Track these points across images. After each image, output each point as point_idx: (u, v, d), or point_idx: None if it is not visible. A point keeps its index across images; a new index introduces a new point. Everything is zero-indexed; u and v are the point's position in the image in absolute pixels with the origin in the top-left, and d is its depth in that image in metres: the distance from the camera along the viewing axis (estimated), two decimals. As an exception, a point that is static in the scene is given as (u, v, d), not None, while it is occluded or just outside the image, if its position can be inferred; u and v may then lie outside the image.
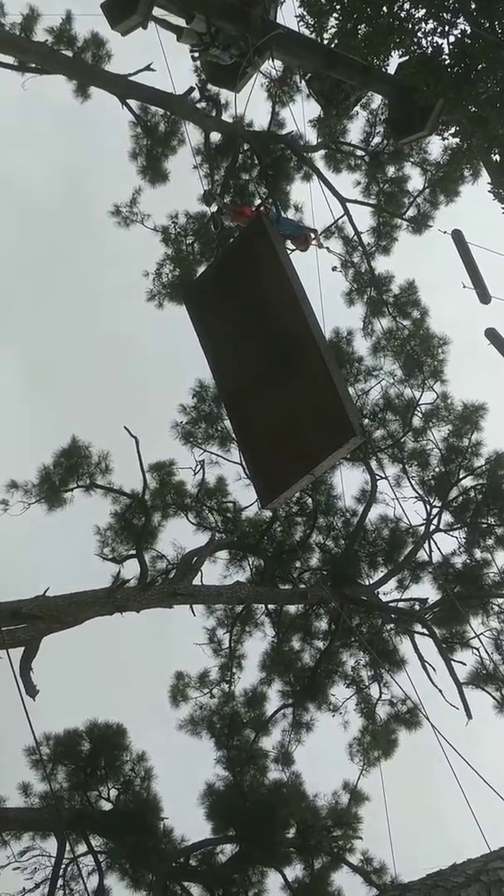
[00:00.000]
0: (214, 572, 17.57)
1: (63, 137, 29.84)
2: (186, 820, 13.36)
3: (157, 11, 10.96)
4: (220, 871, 13.05)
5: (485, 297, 12.39)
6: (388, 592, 17.61)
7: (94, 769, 12.86)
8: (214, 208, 13.86)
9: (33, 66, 15.67)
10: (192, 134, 17.57)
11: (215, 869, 13.06)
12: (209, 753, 15.27)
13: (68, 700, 15.97)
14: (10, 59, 15.52)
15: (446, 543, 20.86)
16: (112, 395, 28.94)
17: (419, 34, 10.26)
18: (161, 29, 11.57)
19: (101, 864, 12.26)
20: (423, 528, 17.69)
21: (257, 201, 17.52)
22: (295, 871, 13.48)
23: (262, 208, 12.20)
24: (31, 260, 31.80)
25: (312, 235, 13.22)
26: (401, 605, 17.52)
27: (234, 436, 16.70)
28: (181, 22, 11.22)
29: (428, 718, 11.85)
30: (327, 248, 15.17)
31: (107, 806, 12.80)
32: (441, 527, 17.75)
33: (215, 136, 17.56)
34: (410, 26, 10.20)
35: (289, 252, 9.63)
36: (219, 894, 12.94)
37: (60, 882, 11.94)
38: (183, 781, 14.74)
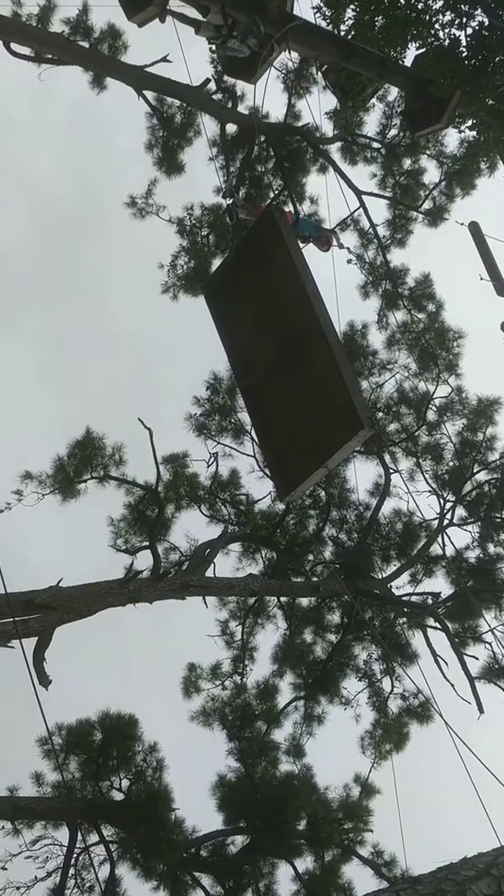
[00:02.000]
0: (227, 564, 17.58)
1: (77, 131, 29.84)
2: (198, 811, 13.42)
3: (174, 4, 10.96)
4: (230, 861, 13.08)
5: (502, 289, 12.35)
6: (401, 586, 17.66)
7: (106, 759, 12.87)
8: (230, 200, 13.85)
9: (49, 57, 15.69)
10: (208, 125, 17.57)
11: (226, 860, 13.09)
12: (221, 745, 15.33)
13: (81, 690, 16.05)
14: (26, 50, 15.55)
15: (460, 538, 20.88)
16: (126, 387, 29.02)
17: (436, 26, 10.21)
18: (177, 21, 11.57)
19: (113, 854, 12.30)
20: (436, 522, 17.69)
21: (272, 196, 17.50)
22: (305, 862, 13.51)
23: (274, 203, 12.21)
24: (44, 253, 31.86)
25: (334, 239, 13.27)
26: (413, 598, 17.51)
27: (248, 428, 16.73)
28: (198, 15, 11.22)
29: (440, 713, 11.87)
30: (348, 249, 15.22)
31: (118, 796, 12.83)
32: (454, 521, 17.75)
33: (231, 128, 17.55)
34: (427, 18, 10.15)
35: (301, 247, 9.61)
36: (229, 885, 12.97)
37: (72, 871, 12.01)
38: (194, 772, 14.79)
